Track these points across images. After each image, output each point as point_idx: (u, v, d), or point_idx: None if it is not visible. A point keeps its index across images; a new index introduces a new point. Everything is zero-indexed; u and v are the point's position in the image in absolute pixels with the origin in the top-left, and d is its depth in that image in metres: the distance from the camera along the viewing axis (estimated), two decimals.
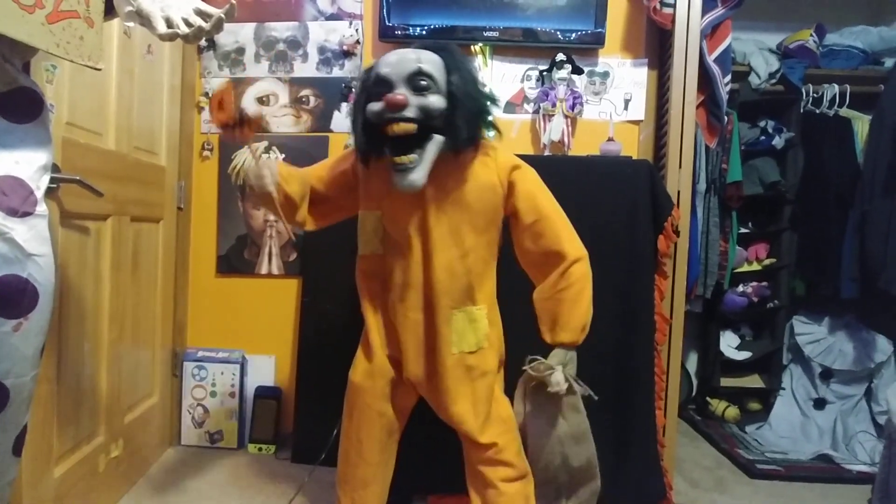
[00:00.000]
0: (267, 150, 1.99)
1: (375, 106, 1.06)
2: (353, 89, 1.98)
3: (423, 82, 1.04)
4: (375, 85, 1.07)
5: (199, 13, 0.94)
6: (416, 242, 1.14)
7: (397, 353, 1.21)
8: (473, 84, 1.10)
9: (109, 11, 0.95)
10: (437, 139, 1.06)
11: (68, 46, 0.86)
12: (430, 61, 1.06)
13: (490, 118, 1.15)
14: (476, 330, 1.16)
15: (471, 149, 1.12)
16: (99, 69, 0.93)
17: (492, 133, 1.21)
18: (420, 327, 1.17)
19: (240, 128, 1.08)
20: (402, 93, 1.03)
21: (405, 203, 1.13)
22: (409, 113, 1.03)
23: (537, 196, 1.17)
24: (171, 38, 0.93)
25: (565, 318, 1.14)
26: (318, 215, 1.26)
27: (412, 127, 1.03)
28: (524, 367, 1.18)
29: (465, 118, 1.07)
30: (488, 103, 1.13)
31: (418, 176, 1.05)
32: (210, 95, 2.00)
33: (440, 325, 1.14)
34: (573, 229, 1.18)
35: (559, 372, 1.12)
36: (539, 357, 1.16)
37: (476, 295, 1.17)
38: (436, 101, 1.04)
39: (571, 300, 1.13)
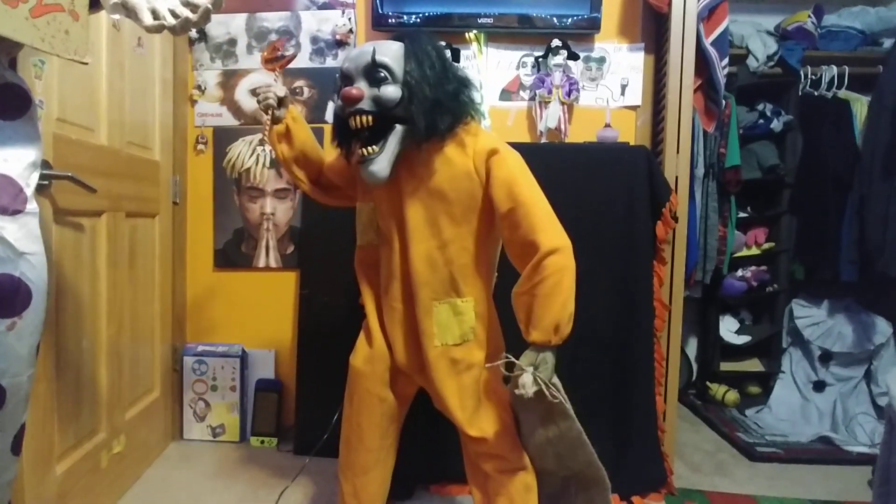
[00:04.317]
0: (261, 142, 1.98)
1: (337, 101, 1.10)
2: None
3: (381, 74, 1.05)
4: (342, 80, 1.11)
5: (186, 4, 0.92)
6: (396, 233, 1.16)
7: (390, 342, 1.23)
8: (437, 70, 1.06)
9: (95, 4, 0.93)
10: (399, 129, 1.07)
11: (53, 41, 0.84)
12: (386, 52, 1.06)
13: (462, 103, 1.09)
14: (461, 323, 1.14)
15: (437, 137, 1.07)
16: (86, 63, 0.92)
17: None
18: (403, 318, 1.18)
19: (278, 62, 1.37)
20: (357, 86, 1.06)
21: (387, 194, 1.15)
22: (364, 105, 1.05)
23: (515, 183, 1.06)
24: (158, 29, 0.91)
25: (538, 315, 1.01)
26: (322, 195, 1.34)
27: (367, 119, 1.05)
28: (488, 365, 1.13)
29: (423, 107, 1.04)
30: (459, 88, 1.09)
31: (379, 167, 1.07)
32: (202, 88, 1.99)
33: (421, 317, 1.14)
34: (554, 218, 1.05)
35: (527, 374, 1.00)
36: (511, 356, 1.05)
37: (462, 287, 1.13)
38: (391, 91, 1.04)
39: (544, 296, 1.00)
